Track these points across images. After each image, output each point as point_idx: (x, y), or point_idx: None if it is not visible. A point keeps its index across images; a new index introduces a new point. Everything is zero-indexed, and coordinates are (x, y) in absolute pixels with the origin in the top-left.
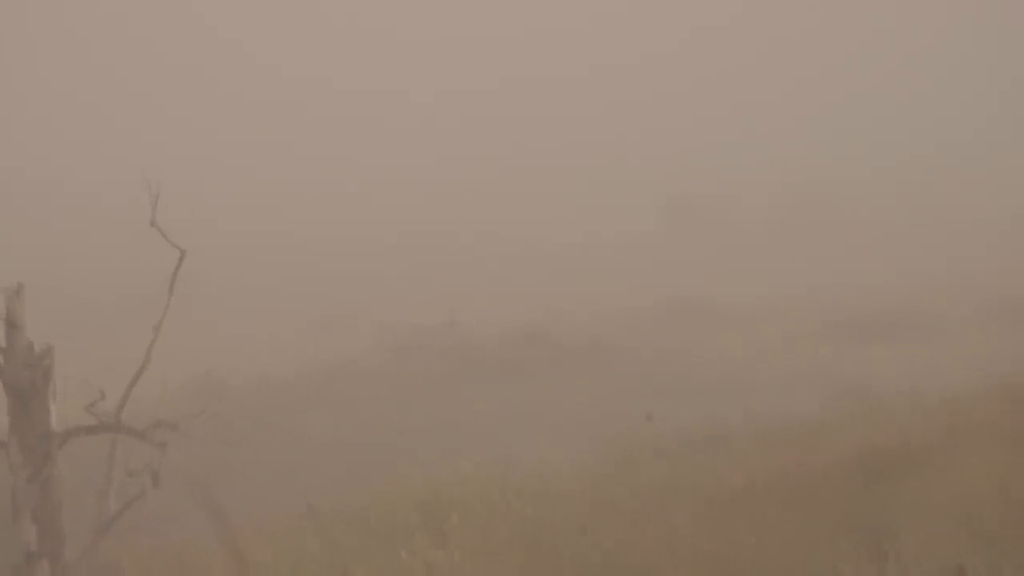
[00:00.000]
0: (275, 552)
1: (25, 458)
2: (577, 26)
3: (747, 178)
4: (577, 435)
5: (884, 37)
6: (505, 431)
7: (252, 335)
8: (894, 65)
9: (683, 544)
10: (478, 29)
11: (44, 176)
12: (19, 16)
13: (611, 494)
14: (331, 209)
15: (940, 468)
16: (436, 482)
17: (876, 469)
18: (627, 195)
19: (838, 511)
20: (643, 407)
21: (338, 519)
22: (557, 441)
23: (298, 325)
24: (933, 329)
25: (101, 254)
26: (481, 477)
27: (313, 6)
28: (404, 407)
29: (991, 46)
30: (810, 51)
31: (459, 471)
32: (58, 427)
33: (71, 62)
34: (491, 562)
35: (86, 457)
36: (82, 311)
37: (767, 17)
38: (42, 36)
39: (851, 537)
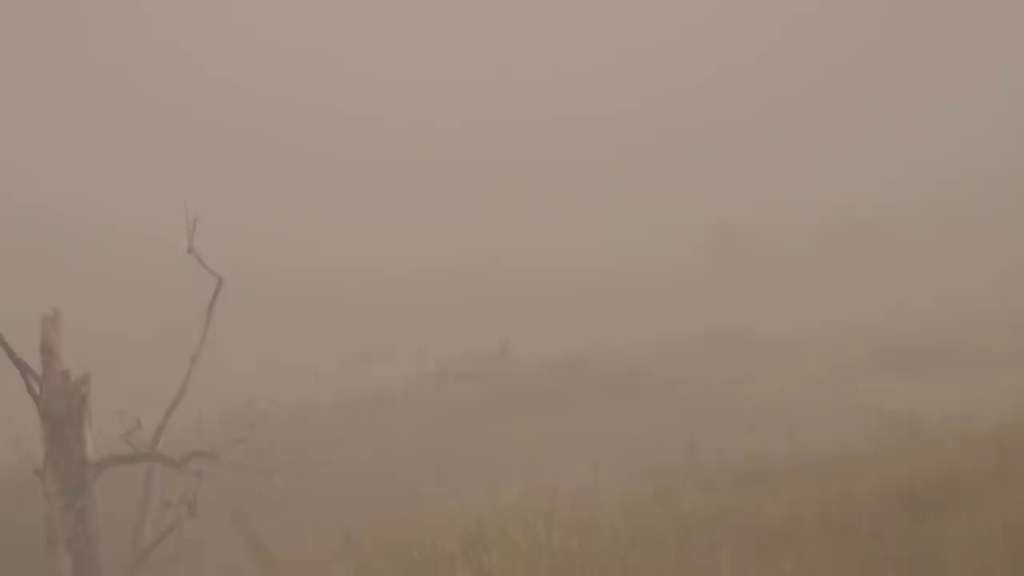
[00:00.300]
0: None
1: (60, 487)
2: (618, 57)
3: (789, 205)
4: (619, 467)
5: (923, 60)
6: (546, 462)
7: (291, 366)
8: (934, 87)
9: None
10: (519, 61)
11: (60, 207)
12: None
13: (653, 527)
14: (366, 239)
15: (990, 500)
16: (477, 514)
17: (924, 501)
18: (668, 224)
19: (885, 544)
20: (685, 438)
21: (377, 550)
22: (598, 473)
23: (337, 356)
24: (980, 359)
25: (126, 282)
26: (523, 509)
27: (324, 36)
28: (444, 438)
29: None
30: (849, 76)
31: (501, 503)
32: (94, 456)
33: (51, 89)
34: None
35: (122, 487)
36: (114, 340)
37: (804, 44)
38: (21, 63)
39: (898, 571)
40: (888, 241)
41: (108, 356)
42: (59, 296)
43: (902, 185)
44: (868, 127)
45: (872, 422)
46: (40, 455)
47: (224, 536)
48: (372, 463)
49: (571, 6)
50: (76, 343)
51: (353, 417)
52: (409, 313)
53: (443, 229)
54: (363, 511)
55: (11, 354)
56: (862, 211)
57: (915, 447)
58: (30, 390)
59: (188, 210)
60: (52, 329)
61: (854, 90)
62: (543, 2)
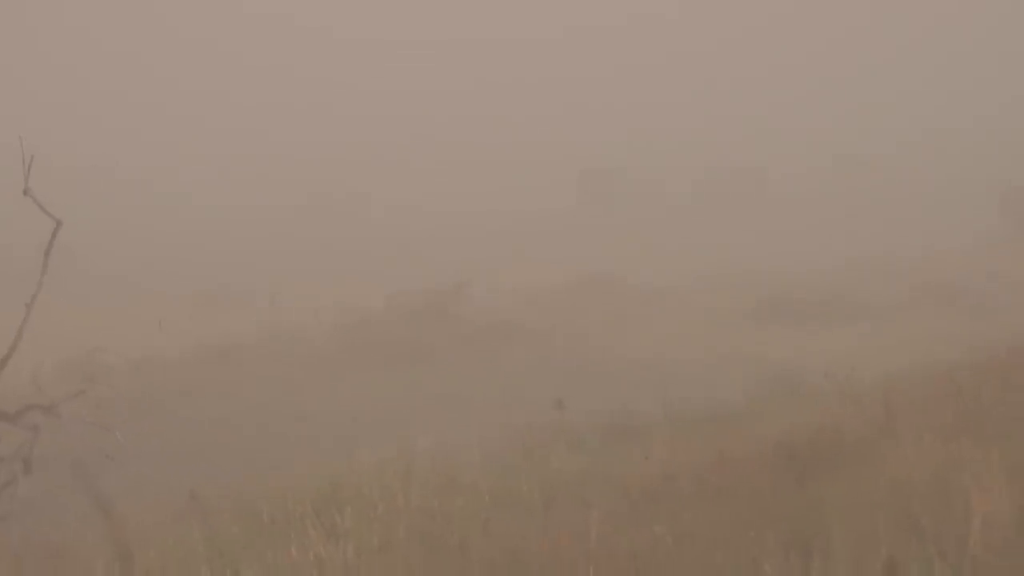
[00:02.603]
0: (159, 548)
1: None
2: None
3: (670, 152)
4: (484, 423)
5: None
6: (407, 417)
7: (136, 313)
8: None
9: (596, 541)
10: None
11: None
12: None
13: (519, 486)
14: (230, 173)
15: (873, 458)
16: (331, 472)
17: (805, 460)
18: (543, 170)
19: (764, 505)
20: (556, 393)
21: (226, 511)
22: (463, 429)
23: (187, 302)
24: (868, 312)
25: None
26: (380, 467)
27: None
28: (298, 391)
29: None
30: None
31: (356, 461)
32: None
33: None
34: (388, 558)
35: None
36: None
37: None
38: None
39: (777, 532)
40: (775, 190)
41: None
42: None
43: (796, 132)
44: (777, 78)
45: (752, 376)
46: None
47: (62, 494)
48: (222, 417)
49: None
50: None
51: (202, 368)
52: (269, 254)
53: (309, 163)
54: (211, 468)
55: None
56: (748, 159)
57: (797, 402)
58: None
59: (23, 147)
60: None
61: (778, 39)
62: None
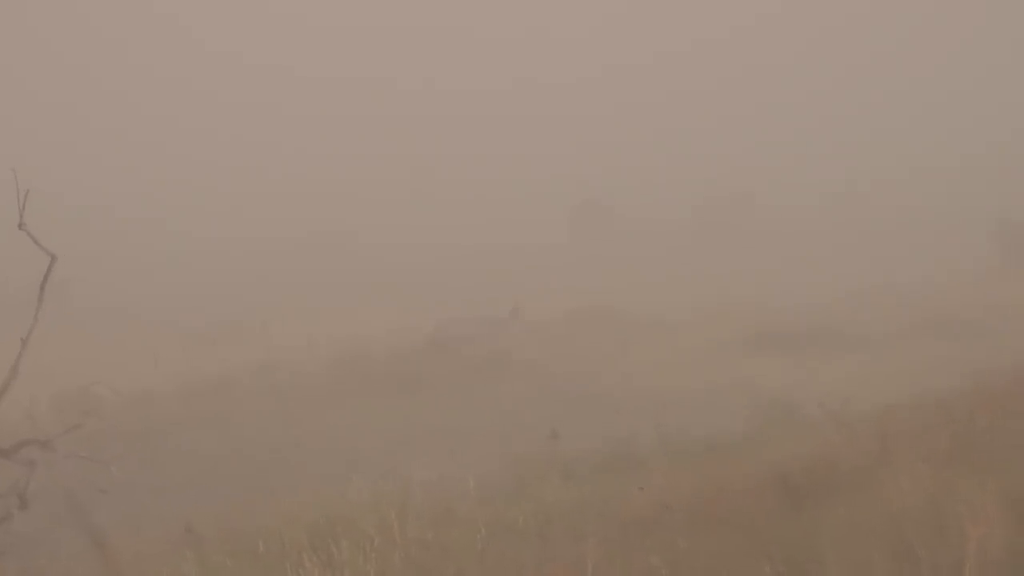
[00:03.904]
0: None
1: None
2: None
3: (667, 183)
4: (481, 454)
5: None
6: (403, 449)
7: (132, 347)
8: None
9: (592, 571)
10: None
11: None
12: None
13: (514, 517)
14: (226, 208)
15: (869, 488)
16: (327, 504)
17: (801, 490)
18: (540, 204)
19: (759, 534)
20: (552, 424)
21: (220, 543)
22: (459, 460)
23: (183, 336)
24: (864, 342)
25: None
26: (376, 499)
27: None
28: (294, 423)
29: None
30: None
31: (352, 493)
32: None
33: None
34: None
35: None
36: None
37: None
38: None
39: (773, 561)
40: (770, 219)
41: None
42: None
43: (793, 165)
44: (771, 106)
45: (748, 406)
46: None
47: (58, 529)
48: (217, 450)
49: None
50: None
51: (197, 401)
52: (261, 287)
53: (303, 196)
54: (207, 501)
55: None
56: (744, 191)
57: (793, 432)
58: None
59: (18, 182)
60: None
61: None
62: None
